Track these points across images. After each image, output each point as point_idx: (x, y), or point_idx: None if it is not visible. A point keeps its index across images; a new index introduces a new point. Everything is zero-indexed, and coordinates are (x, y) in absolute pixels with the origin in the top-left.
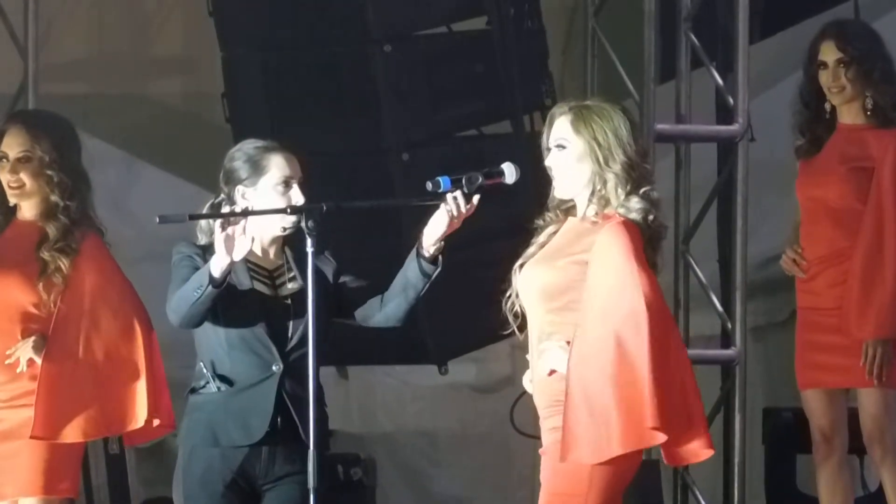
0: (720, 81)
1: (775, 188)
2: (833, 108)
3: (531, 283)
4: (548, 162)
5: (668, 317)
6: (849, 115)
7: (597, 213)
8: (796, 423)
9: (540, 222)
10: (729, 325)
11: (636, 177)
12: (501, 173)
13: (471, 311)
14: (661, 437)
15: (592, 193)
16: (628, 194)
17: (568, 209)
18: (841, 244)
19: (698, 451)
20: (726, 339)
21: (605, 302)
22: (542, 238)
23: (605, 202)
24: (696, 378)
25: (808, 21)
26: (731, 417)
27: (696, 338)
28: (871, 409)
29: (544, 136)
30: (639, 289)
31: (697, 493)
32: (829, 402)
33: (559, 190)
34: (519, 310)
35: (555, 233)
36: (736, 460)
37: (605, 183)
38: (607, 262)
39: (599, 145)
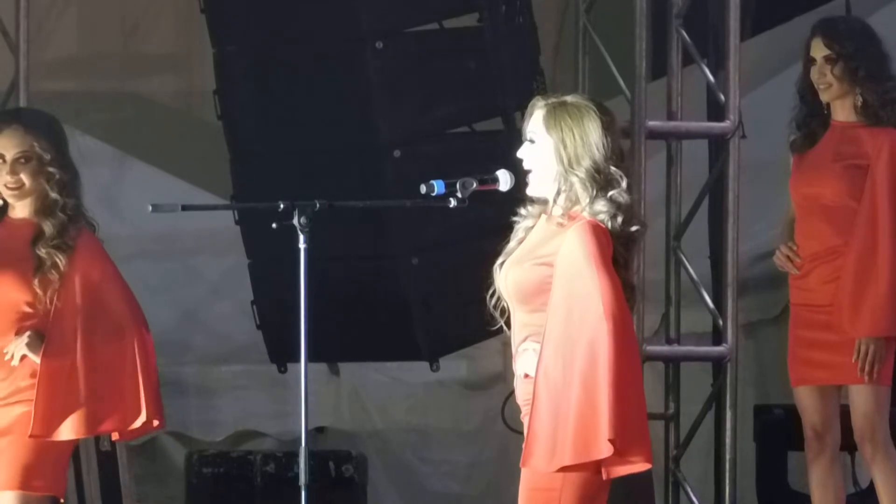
0: (711, 78)
1: (766, 185)
2: (829, 103)
3: (507, 283)
4: (519, 153)
5: (628, 323)
6: (842, 112)
7: (563, 214)
8: (787, 420)
9: (522, 212)
10: (720, 322)
11: (601, 181)
12: (496, 180)
13: (462, 307)
14: (608, 450)
15: (558, 193)
16: (594, 198)
17: (544, 204)
18: (834, 241)
19: (638, 462)
20: (717, 336)
21: (568, 312)
22: (520, 234)
23: (573, 202)
24: (686, 375)
25: (799, 18)
26: (722, 414)
27: (688, 334)
28: (862, 406)
29: (524, 127)
30: (600, 299)
31: (689, 490)
32: (822, 398)
33: (530, 186)
34: (505, 306)
35: (532, 227)
36: (727, 457)
37: (570, 185)
38: (571, 266)
39: (565, 147)
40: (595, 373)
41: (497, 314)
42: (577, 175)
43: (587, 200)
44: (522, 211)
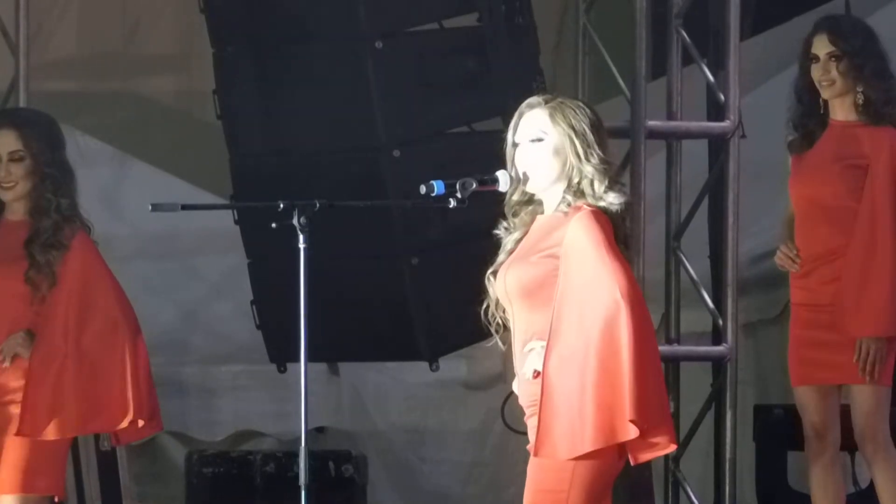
0: (711, 78)
1: (766, 184)
2: (826, 103)
3: (508, 284)
4: (519, 156)
5: (643, 307)
6: (841, 111)
7: (569, 205)
8: (787, 419)
9: (501, 230)
10: (720, 322)
11: (610, 172)
12: (496, 181)
13: (461, 307)
14: (633, 432)
15: (568, 187)
16: (608, 188)
17: (532, 210)
18: (835, 242)
19: (664, 444)
20: (717, 336)
21: (580, 297)
22: (509, 245)
23: (580, 195)
24: (686, 375)
25: (799, 18)
26: (722, 414)
27: (688, 334)
28: (863, 406)
29: (510, 134)
30: (614, 281)
31: (689, 489)
32: (822, 398)
33: (532, 183)
34: (500, 320)
35: (521, 238)
36: (727, 457)
37: (583, 176)
38: (579, 253)
39: (577, 138)
40: (615, 354)
41: (492, 328)
42: (591, 165)
43: (602, 190)
44: (508, 223)
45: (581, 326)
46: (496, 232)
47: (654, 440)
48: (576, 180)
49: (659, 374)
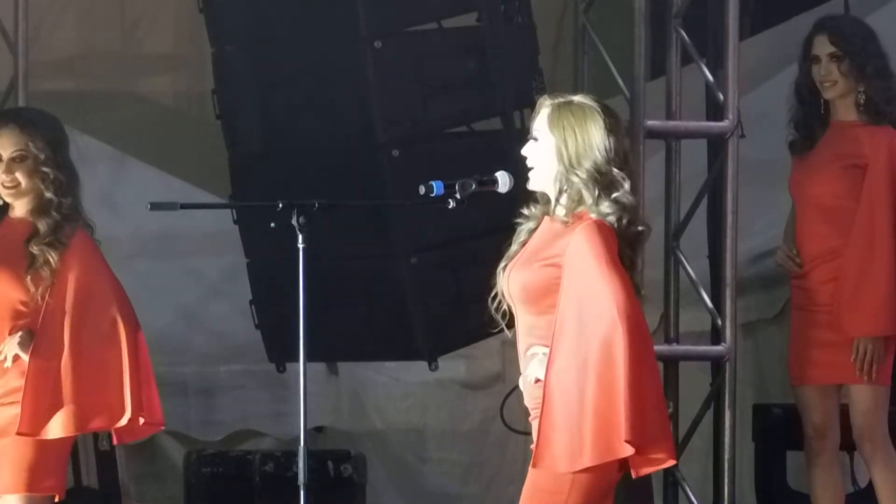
0: (710, 77)
1: (765, 184)
2: (827, 103)
3: (511, 288)
4: (523, 150)
5: (642, 322)
6: (842, 110)
7: (568, 214)
8: (786, 419)
9: (524, 214)
10: (719, 322)
11: (604, 182)
12: (495, 181)
13: (461, 307)
14: (629, 450)
15: (560, 192)
16: (598, 199)
17: (545, 207)
18: (834, 241)
19: (663, 460)
20: (716, 336)
21: (579, 310)
22: (522, 236)
23: (576, 202)
24: (685, 375)
25: (798, 17)
26: (721, 414)
27: (686, 334)
28: (862, 405)
29: (531, 123)
30: (612, 298)
31: (688, 489)
32: (822, 398)
33: (530, 182)
34: (506, 308)
35: (534, 229)
36: (726, 457)
37: (571, 185)
38: (580, 267)
39: (567, 147)
40: (612, 373)
41: (498, 317)
42: (578, 175)
43: (591, 201)
44: (525, 212)
45: (579, 342)
46: (515, 214)
47: (654, 456)
48: (564, 187)
49: (658, 390)
